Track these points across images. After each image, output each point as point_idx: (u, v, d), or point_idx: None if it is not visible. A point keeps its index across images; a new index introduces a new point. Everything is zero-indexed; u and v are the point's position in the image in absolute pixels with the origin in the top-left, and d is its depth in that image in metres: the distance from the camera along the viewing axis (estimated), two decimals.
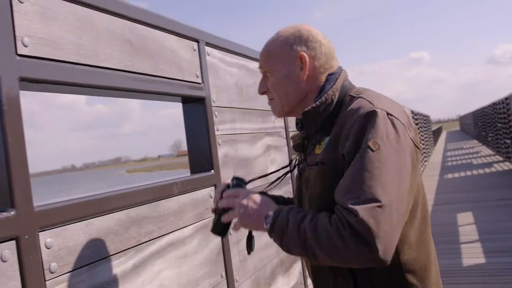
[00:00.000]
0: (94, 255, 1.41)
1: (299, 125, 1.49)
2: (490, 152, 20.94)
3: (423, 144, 17.63)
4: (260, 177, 1.61)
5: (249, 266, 2.42)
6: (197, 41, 2.15)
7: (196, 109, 2.16)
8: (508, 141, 15.15)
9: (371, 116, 1.22)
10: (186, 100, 2.15)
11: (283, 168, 1.63)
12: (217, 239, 2.12)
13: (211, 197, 2.12)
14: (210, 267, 2.05)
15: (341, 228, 1.13)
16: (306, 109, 1.38)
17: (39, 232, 1.24)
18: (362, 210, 1.10)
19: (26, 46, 1.27)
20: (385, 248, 1.09)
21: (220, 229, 1.45)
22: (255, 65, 2.76)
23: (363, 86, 1.44)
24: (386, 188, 1.13)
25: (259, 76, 1.53)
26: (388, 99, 1.34)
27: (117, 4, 1.63)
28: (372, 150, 1.16)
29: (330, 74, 1.42)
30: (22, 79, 1.25)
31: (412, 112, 15.29)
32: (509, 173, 12.98)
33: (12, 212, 1.17)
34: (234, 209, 1.38)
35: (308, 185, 1.38)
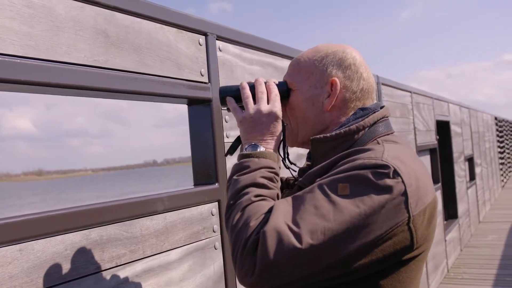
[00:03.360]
0: (29, 286, 1.18)
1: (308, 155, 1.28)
2: None
3: (508, 153, 16.34)
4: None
5: None
6: (204, 34, 1.87)
7: (201, 112, 1.89)
8: None
9: (375, 166, 1.00)
10: (192, 102, 1.89)
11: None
12: (217, 263, 1.84)
13: (213, 215, 1.85)
14: None
15: (256, 228, 0.99)
16: (315, 136, 1.17)
17: None
18: (283, 234, 0.95)
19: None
20: (263, 279, 0.95)
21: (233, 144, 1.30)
22: (284, 63, 2.45)
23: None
24: (320, 237, 0.94)
25: None
26: (417, 164, 1.10)
27: None
28: (336, 193, 0.98)
29: (360, 109, 1.19)
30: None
31: (496, 118, 14.23)
32: None
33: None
34: (248, 101, 1.21)
35: None
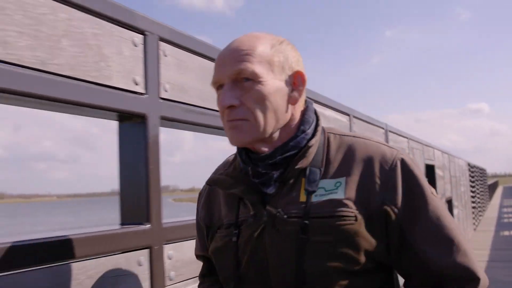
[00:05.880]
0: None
1: (254, 160, 1.11)
2: None
3: (478, 198, 16.43)
4: None
5: None
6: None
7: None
8: None
9: (403, 159, 1.08)
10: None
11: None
12: None
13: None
14: None
15: None
16: (310, 143, 1.10)
17: (165, 244, 1.47)
18: (481, 273, 1.01)
19: (166, 91, 1.54)
20: None
21: None
22: None
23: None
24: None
25: None
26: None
27: None
28: (435, 196, 1.06)
29: (308, 102, 1.17)
30: (162, 118, 1.50)
31: (469, 164, 14.36)
32: None
33: (148, 226, 1.41)
34: None
35: (309, 248, 1.02)
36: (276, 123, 1.08)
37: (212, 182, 1.17)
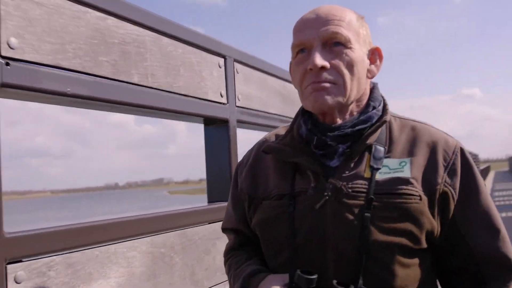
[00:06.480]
0: None
1: (322, 130, 1.07)
2: None
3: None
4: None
5: None
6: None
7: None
8: None
9: (462, 149, 1.09)
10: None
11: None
12: None
13: None
14: None
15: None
16: (385, 118, 1.08)
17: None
18: None
19: (239, 100, 2.04)
20: None
21: None
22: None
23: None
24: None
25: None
26: None
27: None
28: (485, 187, 1.10)
29: (374, 83, 1.16)
30: (238, 121, 2.01)
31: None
32: None
33: None
34: None
35: (373, 223, 1.00)
36: (357, 93, 1.07)
37: (271, 150, 1.12)
